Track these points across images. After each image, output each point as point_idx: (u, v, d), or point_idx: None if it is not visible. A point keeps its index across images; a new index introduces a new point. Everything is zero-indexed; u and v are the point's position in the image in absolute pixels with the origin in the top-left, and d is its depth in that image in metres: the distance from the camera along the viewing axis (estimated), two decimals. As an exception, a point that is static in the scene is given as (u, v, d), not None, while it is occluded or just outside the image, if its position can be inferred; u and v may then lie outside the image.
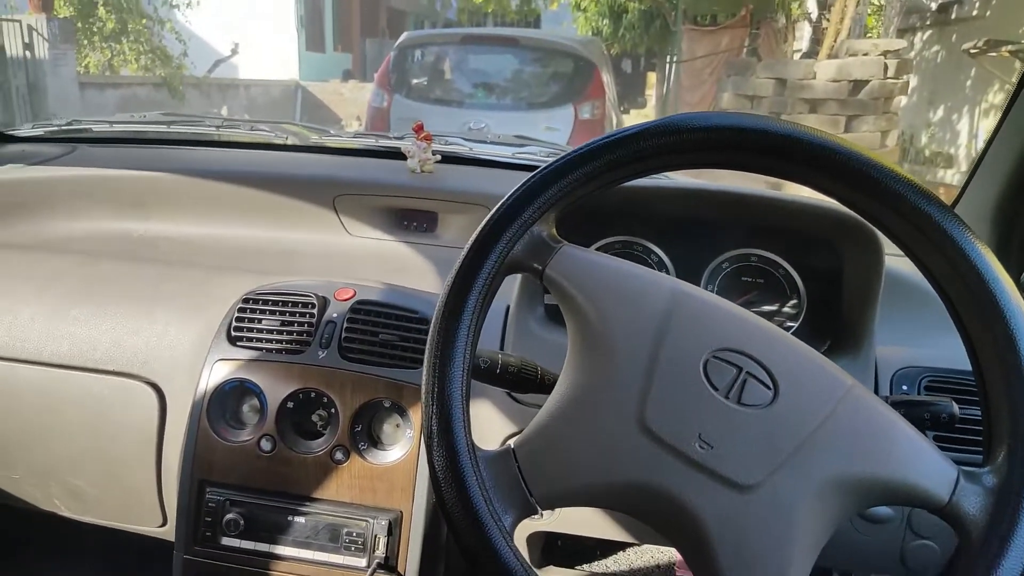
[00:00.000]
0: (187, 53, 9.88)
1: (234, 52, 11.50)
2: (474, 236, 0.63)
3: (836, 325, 0.92)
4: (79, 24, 9.03)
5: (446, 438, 0.59)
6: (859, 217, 0.85)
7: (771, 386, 0.59)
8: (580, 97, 4.73)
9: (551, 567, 1.04)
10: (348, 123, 10.71)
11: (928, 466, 0.57)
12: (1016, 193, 0.98)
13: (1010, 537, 0.53)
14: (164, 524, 1.09)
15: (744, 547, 0.56)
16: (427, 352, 0.61)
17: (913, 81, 5.74)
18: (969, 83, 5.36)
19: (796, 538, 0.56)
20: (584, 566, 1.06)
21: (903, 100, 5.66)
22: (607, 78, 4.98)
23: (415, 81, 5.22)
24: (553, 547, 1.09)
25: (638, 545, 1.08)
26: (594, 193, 0.65)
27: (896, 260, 0.90)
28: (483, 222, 0.63)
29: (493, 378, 0.74)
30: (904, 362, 0.91)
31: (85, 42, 9.38)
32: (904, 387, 0.89)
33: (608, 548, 1.09)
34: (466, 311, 0.62)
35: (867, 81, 5.54)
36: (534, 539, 0.99)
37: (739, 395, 0.58)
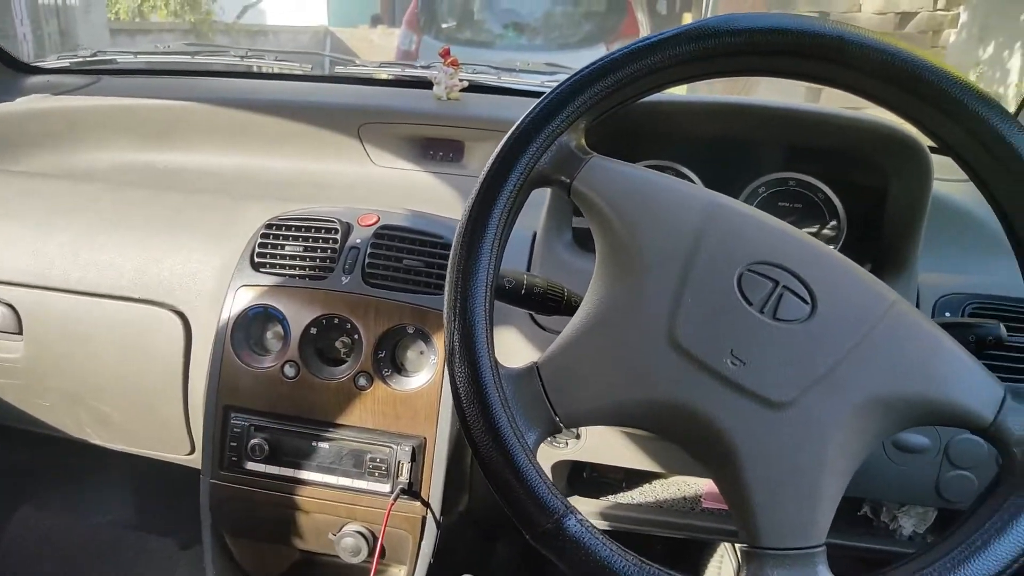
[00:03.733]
0: (216, -1, 9.77)
1: (262, -4, 11.35)
2: (499, 146, 0.60)
3: (877, 248, 0.88)
4: (109, -30, 8.96)
5: (468, 354, 0.57)
6: (908, 132, 0.81)
7: (809, 300, 0.56)
8: (613, 36, 4.59)
9: (576, 496, 1.04)
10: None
11: (973, 384, 0.54)
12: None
13: None
14: (192, 452, 1.10)
15: (774, 465, 0.54)
16: (449, 266, 0.59)
17: (963, 16, 5.48)
18: (1023, 18, 5.10)
19: (829, 458, 0.54)
20: (609, 497, 1.05)
21: (952, 36, 5.41)
22: (642, 17, 4.83)
23: (444, 24, 5.10)
24: (578, 478, 1.08)
25: (665, 477, 1.07)
26: (627, 103, 0.62)
27: (937, 184, 0.86)
28: (508, 132, 0.60)
29: (517, 299, 0.72)
30: (947, 289, 0.87)
31: (115, -12, 9.32)
32: (947, 314, 0.85)
33: (634, 480, 1.08)
34: (490, 224, 0.59)
35: (915, 13, 5.28)
36: (559, 468, 0.98)
37: (774, 310, 0.56)
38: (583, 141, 0.61)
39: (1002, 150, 0.53)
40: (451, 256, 0.59)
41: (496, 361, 0.59)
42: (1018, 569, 0.52)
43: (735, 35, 0.56)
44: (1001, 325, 0.66)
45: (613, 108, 0.62)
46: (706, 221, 0.58)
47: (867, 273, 0.58)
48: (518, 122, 0.60)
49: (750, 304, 0.56)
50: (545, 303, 0.72)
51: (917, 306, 0.86)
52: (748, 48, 0.56)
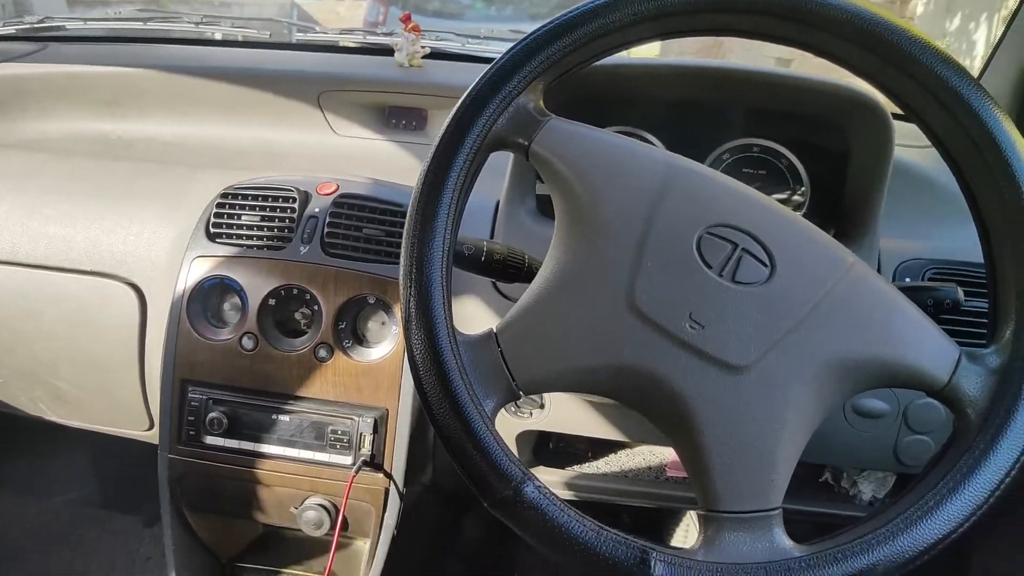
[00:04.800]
0: (177, -34, 9.51)
1: (226, -34, 11.07)
2: (455, 109, 0.58)
3: (841, 213, 0.88)
4: (64, -64, 8.66)
5: (424, 320, 0.56)
6: (868, 95, 0.81)
7: (767, 263, 0.55)
8: (583, 7, 4.54)
9: (541, 467, 1.03)
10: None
11: (928, 346, 0.54)
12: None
13: (1011, 415, 0.51)
14: (151, 427, 1.08)
15: (731, 429, 0.54)
16: (405, 232, 0.58)
17: (931, -15, 5.51)
18: (990, -10, 5.13)
19: (787, 420, 0.54)
20: (575, 467, 1.05)
21: (920, 6, 5.44)
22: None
23: (413, -6, 5.01)
24: (544, 449, 1.08)
25: (630, 446, 1.07)
26: (587, 62, 0.60)
27: (900, 151, 0.86)
28: (464, 94, 0.59)
29: (477, 266, 0.70)
30: (908, 254, 0.88)
31: (71, -45, 9.02)
32: (907, 279, 0.86)
33: (599, 450, 1.08)
34: (446, 189, 0.58)
35: (882, -14, 5.28)
36: (524, 438, 0.98)
37: (733, 273, 0.55)
38: (541, 103, 0.60)
39: (964, 113, 0.53)
40: (407, 222, 0.58)
41: (453, 327, 0.57)
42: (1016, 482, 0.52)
43: None
44: (959, 289, 0.66)
45: (572, 68, 0.60)
46: (665, 183, 0.57)
47: (826, 236, 0.57)
48: (474, 84, 0.59)
49: (709, 267, 0.55)
50: (505, 270, 0.71)
51: (878, 271, 0.86)
52: (707, 5, 0.55)
